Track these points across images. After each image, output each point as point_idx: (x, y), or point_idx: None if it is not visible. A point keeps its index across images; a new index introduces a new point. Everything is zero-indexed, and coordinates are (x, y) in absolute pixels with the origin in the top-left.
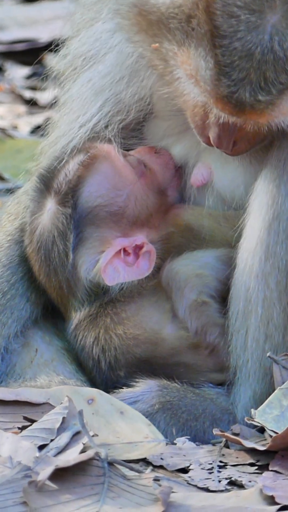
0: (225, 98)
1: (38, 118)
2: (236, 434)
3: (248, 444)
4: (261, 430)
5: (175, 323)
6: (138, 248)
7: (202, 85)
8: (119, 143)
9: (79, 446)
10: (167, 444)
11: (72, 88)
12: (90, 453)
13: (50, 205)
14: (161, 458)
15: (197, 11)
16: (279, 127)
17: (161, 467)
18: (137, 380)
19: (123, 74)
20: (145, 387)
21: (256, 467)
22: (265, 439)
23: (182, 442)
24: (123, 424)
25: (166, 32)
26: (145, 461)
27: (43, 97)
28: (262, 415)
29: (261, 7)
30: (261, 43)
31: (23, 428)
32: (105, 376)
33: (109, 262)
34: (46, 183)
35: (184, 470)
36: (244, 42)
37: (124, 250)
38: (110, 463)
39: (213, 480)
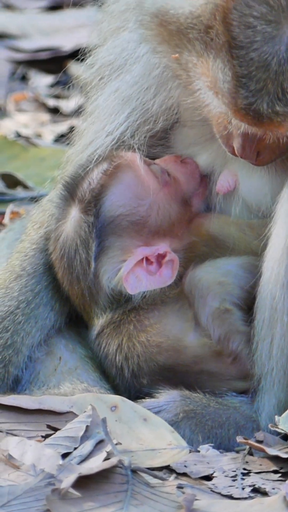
0: (243, 110)
1: (61, 127)
2: (260, 442)
3: (272, 451)
4: (285, 437)
5: (198, 331)
6: (161, 257)
7: (220, 96)
8: (144, 152)
9: (103, 454)
10: (190, 451)
11: (99, 98)
12: (113, 461)
13: (74, 213)
14: (185, 466)
15: (214, 21)
16: None
17: (184, 474)
18: (159, 390)
19: (150, 84)
20: (168, 397)
21: (279, 475)
22: None
23: (206, 449)
24: (146, 431)
25: (186, 42)
26: (169, 469)
27: (66, 105)
28: (285, 422)
29: (278, 18)
30: (278, 54)
31: (46, 436)
32: (128, 384)
33: (131, 271)
34: (71, 190)
35: (208, 478)
36: (260, 53)
37: (147, 259)
38: (134, 471)
39: (237, 488)
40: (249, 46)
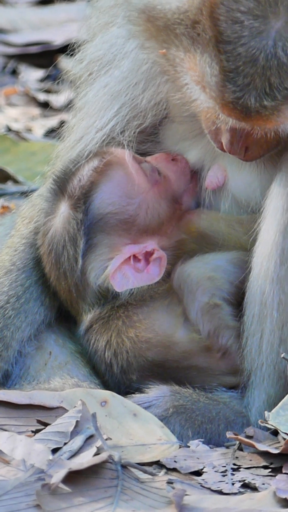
0: (230, 104)
1: (52, 121)
2: (250, 437)
3: (262, 447)
4: (275, 432)
5: (187, 326)
6: (148, 254)
7: (208, 91)
8: (134, 148)
9: (93, 449)
10: (180, 446)
11: (89, 93)
12: (103, 456)
13: (63, 208)
14: (175, 461)
15: (201, 16)
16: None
17: (174, 469)
18: (149, 385)
19: (139, 79)
20: (158, 392)
21: (269, 470)
22: (279, 442)
23: (196, 444)
24: (136, 426)
25: (173, 38)
26: (159, 464)
27: (57, 99)
28: (275, 418)
29: (265, 13)
30: (265, 49)
31: (36, 431)
32: (117, 380)
33: (118, 269)
34: (61, 185)
35: (198, 473)
36: (248, 48)
37: (134, 256)
38: (124, 466)
39: (227, 483)
40: (237, 41)
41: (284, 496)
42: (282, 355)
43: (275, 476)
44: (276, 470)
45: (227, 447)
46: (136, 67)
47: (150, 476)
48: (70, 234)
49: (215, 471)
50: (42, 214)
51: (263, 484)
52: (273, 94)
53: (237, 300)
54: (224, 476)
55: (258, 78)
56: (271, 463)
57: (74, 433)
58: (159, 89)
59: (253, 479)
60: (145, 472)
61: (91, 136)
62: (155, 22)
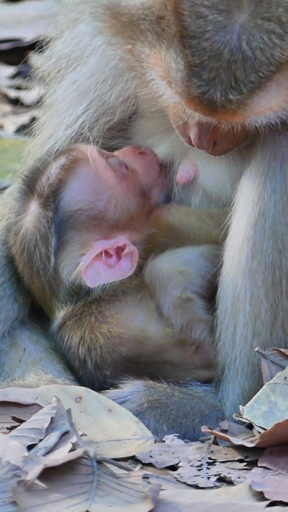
0: (196, 99)
1: (23, 118)
2: (225, 431)
3: (237, 441)
4: (250, 426)
5: (160, 321)
6: (120, 249)
7: (174, 86)
8: (103, 144)
9: (68, 445)
10: (155, 441)
11: (58, 90)
12: (78, 452)
13: (34, 207)
14: (150, 456)
15: (165, 12)
16: (255, 126)
17: (150, 464)
18: (123, 381)
19: (107, 75)
20: (132, 387)
21: (245, 463)
22: (254, 435)
23: (171, 439)
24: (111, 421)
25: (138, 33)
26: (134, 459)
27: (28, 96)
28: (250, 411)
29: (229, 7)
30: (229, 43)
31: (11, 428)
32: (91, 376)
33: (90, 265)
34: (30, 184)
35: (173, 468)
36: (212, 42)
37: (106, 252)
38: (99, 462)
39: (202, 477)
40: (201, 36)
41: (259, 490)
42: (255, 349)
43: (250, 469)
44: (252, 464)
45: (202, 441)
46: (103, 64)
47: (125, 472)
48: (41, 233)
49: (191, 466)
50: (12, 213)
51: (239, 477)
52: (239, 88)
53: (210, 294)
54: (199, 470)
55: (223, 72)
56: (246, 457)
57: (49, 429)
58: (127, 85)
59: (228, 473)
60: (120, 467)
61: (61, 133)
62: (120, 18)
